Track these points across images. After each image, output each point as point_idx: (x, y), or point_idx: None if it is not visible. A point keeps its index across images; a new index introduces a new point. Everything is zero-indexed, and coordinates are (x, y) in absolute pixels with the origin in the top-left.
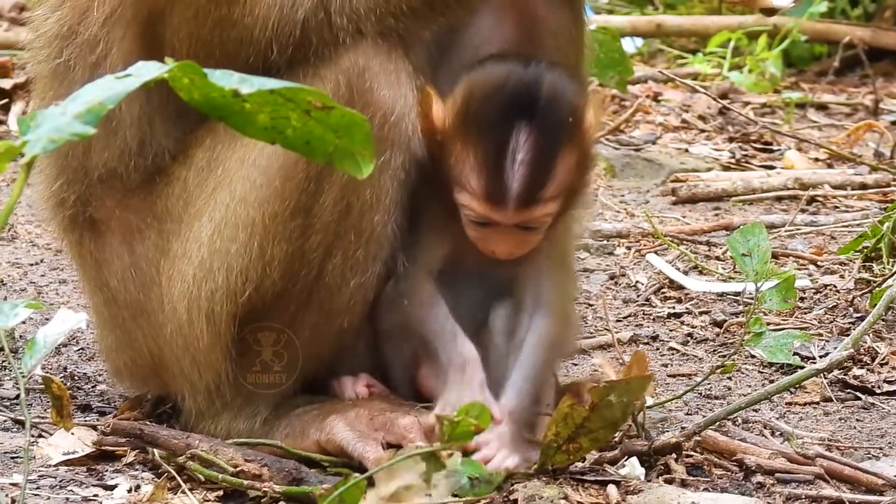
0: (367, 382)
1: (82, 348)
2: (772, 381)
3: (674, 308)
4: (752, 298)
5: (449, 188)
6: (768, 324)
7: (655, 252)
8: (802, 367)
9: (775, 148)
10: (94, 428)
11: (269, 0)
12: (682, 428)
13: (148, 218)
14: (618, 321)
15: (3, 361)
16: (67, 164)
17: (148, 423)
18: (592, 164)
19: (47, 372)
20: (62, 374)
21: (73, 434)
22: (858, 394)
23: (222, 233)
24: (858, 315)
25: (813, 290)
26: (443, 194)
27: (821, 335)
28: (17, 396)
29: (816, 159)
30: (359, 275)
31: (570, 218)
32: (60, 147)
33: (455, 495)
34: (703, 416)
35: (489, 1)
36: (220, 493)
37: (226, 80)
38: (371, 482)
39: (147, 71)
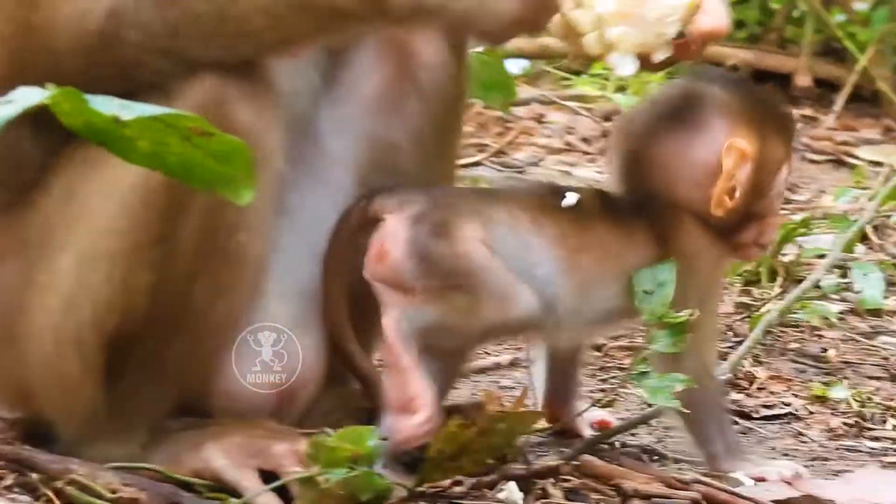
0: None
1: None
2: (650, 405)
3: None
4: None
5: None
6: None
7: None
8: None
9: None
10: None
11: (66, 9)
12: (560, 452)
13: (11, 245)
14: (498, 344)
15: None
16: None
17: (26, 446)
18: None
19: None
20: None
21: None
22: (736, 419)
23: (85, 264)
24: (737, 339)
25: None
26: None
27: None
28: None
29: None
30: (227, 297)
31: None
32: None
33: None
34: (581, 440)
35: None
36: None
37: (106, 105)
38: None
39: (29, 97)
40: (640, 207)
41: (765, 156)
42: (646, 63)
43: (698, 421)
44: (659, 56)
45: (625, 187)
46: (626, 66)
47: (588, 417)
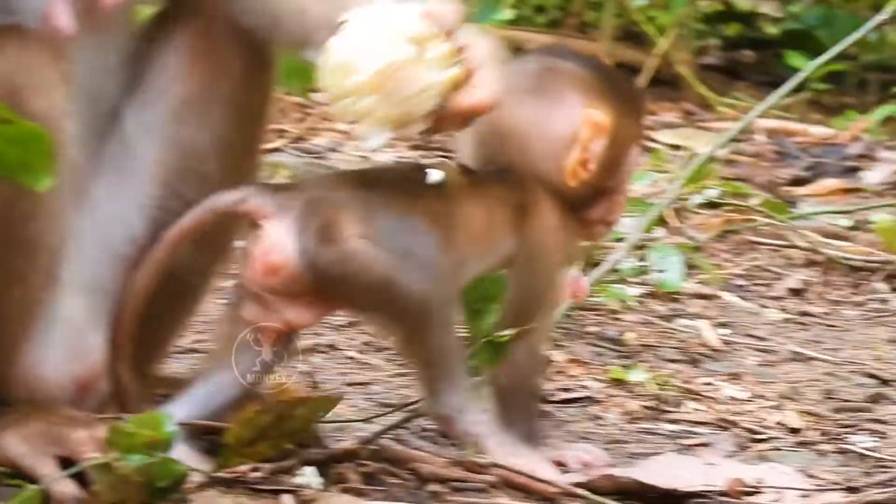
0: None
1: None
2: None
3: (352, 316)
4: None
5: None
6: None
7: None
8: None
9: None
10: None
11: None
12: (358, 436)
13: None
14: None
15: None
16: None
17: None
18: None
19: None
20: None
21: None
22: None
23: None
24: None
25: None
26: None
27: None
28: None
29: None
30: (21, 286)
31: None
32: None
33: None
34: (380, 425)
35: (175, 38)
36: None
37: None
38: (45, 496)
39: None
40: (499, 182)
41: (618, 130)
42: (401, 132)
43: (508, 403)
44: (413, 130)
45: (481, 161)
46: (373, 139)
47: None
